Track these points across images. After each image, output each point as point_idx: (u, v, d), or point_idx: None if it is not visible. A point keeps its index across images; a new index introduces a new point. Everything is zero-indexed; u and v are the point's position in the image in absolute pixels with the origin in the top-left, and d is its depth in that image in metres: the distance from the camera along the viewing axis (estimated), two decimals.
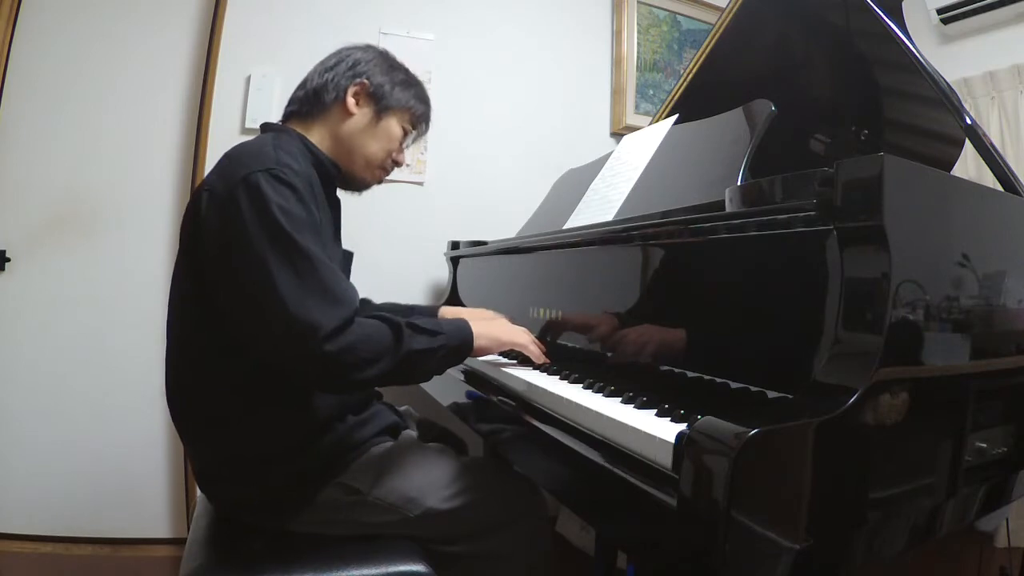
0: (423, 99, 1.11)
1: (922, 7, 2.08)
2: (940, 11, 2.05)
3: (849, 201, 0.61)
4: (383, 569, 0.88)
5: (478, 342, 0.98)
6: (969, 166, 1.75)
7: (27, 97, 1.65)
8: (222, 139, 1.71)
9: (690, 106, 1.44)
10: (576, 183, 1.50)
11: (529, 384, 0.95)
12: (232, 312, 0.85)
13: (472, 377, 1.19)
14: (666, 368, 0.86)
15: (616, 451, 0.69)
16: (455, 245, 1.79)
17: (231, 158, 0.90)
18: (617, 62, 2.25)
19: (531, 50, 2.15)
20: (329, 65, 1.06)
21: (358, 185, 1.11)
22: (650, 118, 1.87)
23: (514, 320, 1.25)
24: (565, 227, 1.31)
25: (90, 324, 1.68)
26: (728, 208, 0.81)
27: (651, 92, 2.28)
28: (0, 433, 1.62)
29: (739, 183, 0.91)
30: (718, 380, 0.76)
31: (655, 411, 0.73)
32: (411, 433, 1.10)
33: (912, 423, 0.60)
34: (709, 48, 1.52)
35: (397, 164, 1.11)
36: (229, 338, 0.87)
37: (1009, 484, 0.77)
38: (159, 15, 1.75)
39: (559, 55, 2.19)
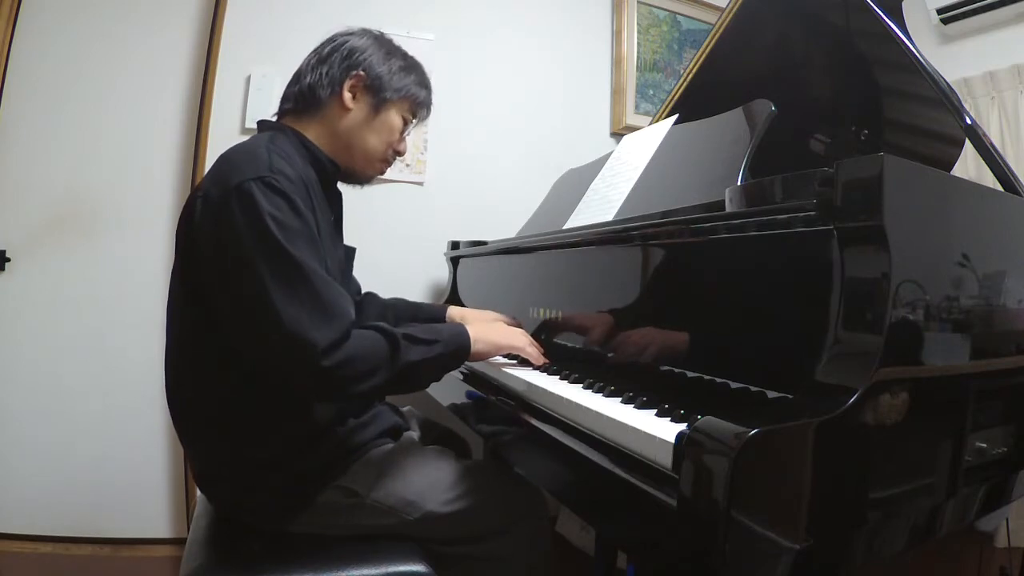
0: (424, 84, 1.08)
1: (922, 7, 2.08)
2: (940, 11, 2.05)
3: (849, 201, 0.61)
4: (383, 569, 0.88)
5: (476, 347, 0.98)
6: (969, 166, 1.75)
7: (27, 97, 1.65)
8: (222, 139, 1.71)
9: (690, 106, 1.44)
10: (576, 183, 1.50)
11: (529, 384, 0.95)
12: (228, 321, 0.85)
13: (472, 377, 1.19)
14: (666, 368, 0.86)
15: (616, 451, 0.69)
16: (455, 245, 1.79)
17: (226, 161, 0.88)
18: (617, 62, 2.25)
19: (531, 50, 2.15)
20: (323, 55, 1.02)
21: (359, 179, 1.09)
22: (650, 118, 1.87)
23: (515, 321, 1.26)
24: (565, 227, 1.31)
25: (90, 324, 1.68)
26: (728, 208, 0.81)
27: (651, 92, 2.28)
28: (0, 433, 1.62)
29: (739, 183, 0.91)
30: (718, 380, 0.76)
31: (655, 411, 0.73)
32: (412, 434, 1.10)
33: (912, 423, 0.60)
34: (709, 48, 1.52)
35: (399, 154, 1.09)
36: (228, 341, 0.86)
37: (1009, 484, 0.77)
38: (159, 15, 1.75)
39: (559, 55, 2.19)
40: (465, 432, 1.34)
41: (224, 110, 1.75)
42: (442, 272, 1.92)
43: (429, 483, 0.97)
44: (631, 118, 2.22)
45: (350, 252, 1.16)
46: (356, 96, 1.01)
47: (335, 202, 1.10)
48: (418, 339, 0.89)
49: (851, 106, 1.43)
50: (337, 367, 0.79)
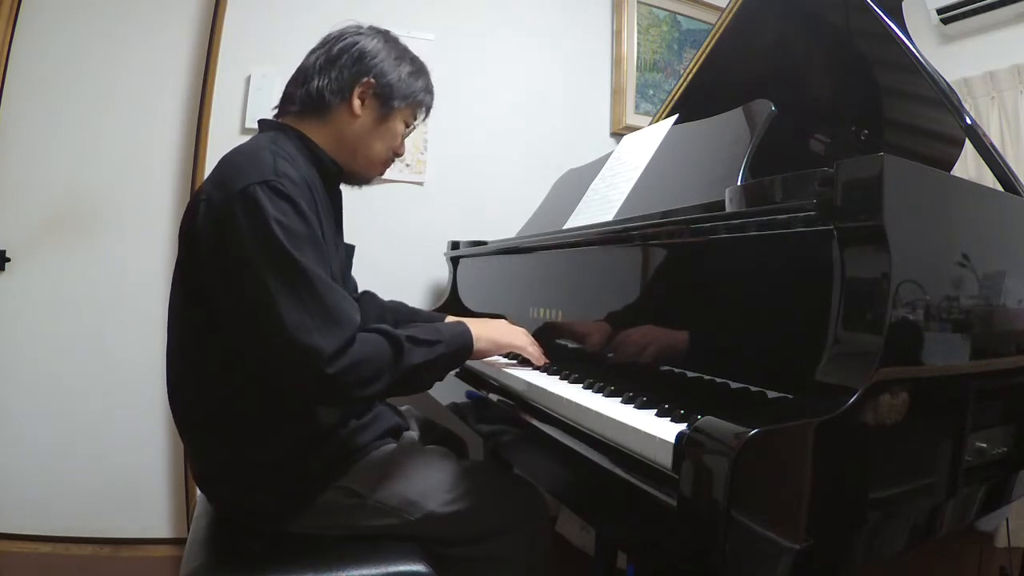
0: (430, 90, 1.08)
1: (922, 7, 2.08)
2: (940, 11, 2.05)
3: (849, 201, 0.61)
4: (383, 569, 0.88)
5: (477, 345, 0.98)
6: (969, 166, 1.75)
7: (27, 97, 1.65)
8: (222, 139, 1.71)
9: (690, 106, 1.44)
10: (576, 183, 1.50)
11: (529, 384, 0.95)
12: (232, 325, 0.85)
13: (472, 377, 1.19)
14: (666, 368, 0.86)
15: (616, 451, 0.69)
16: (455, 245, 1.79)
17: (228, 164, 0.88)
18: (617, 62, 2.25)
19: (531, 50, 2.15)
20: (332, 56, 1.00)
21: (360, 180, 1.09)
22: (650, 118, 1.87)
23: (514, 321, 1.25)
24: (565, 227, 1.31)
25: (90, 324, 1.68)
26: (728, 208, 0.81)
27: (651, 92, 2.28)
28: (0, 433, 1.62)
29: (739, 183, 0.91)
30: (718, 380, 0.76)
31: (655, 411, 0.73)
32: (412, 434, 1.10)
33: (912, 423, 0.60)
34: (709, 48, 1.52)
35: (398, 155, 1.09)
36: (230, 343, 0.86)
37: (1009, 484, 0.77)
38: (159, 15, 1.75)
39: (559, 55, 2.19)
40: (465, 432, 1.34)
41: (224, 110, 1.75)
42: (442, 272, 1.92)
43: (431, 483, 0.97)
44: (631, 118, 2.22)
45: (350, 250, 1.16)
46: (364, 102, 1.00)
47: (336, 202, 1.10)
48: (421, 340, 0.89)
49: (851, 106, 1.43)
50: (342, 373, 0.79)
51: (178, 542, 1.68)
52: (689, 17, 2.36)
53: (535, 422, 0.87)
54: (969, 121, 0.98)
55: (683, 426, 0.64)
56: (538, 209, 1.74)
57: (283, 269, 0.79)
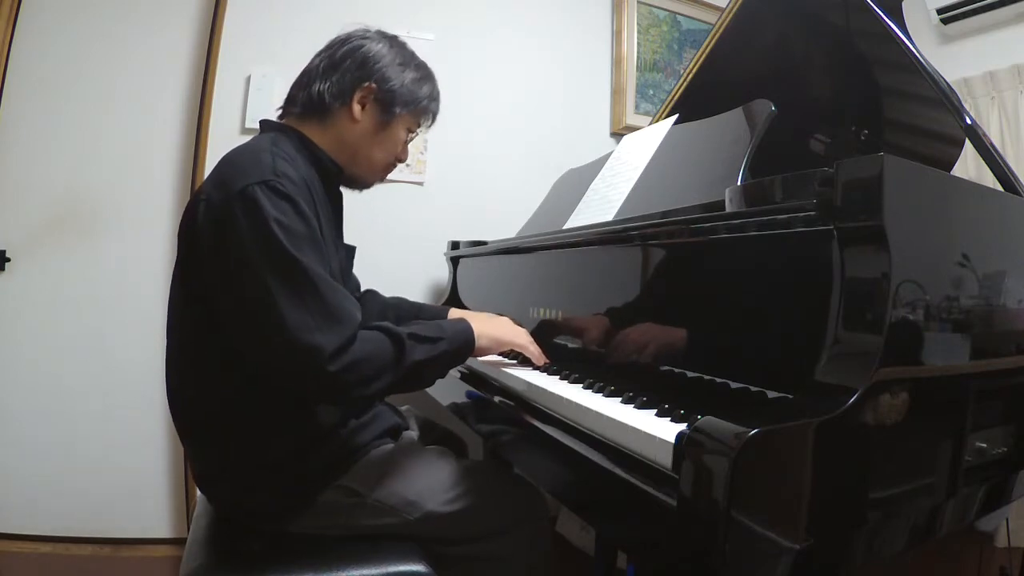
0: (435, 96, 1.07)
1: (922, 7, 2.08)
2: (940, 11, 2.05)
3: (849, 201, 0.61)
4: (383, 569, 0.88)
5: (479, 342, 0.98)
6: (969, 166, 1.75)
7: (27, 97, 1.65)
8: (222, 139, 1.71)
9: (690, 106, 1.44)
10: (576, 183, 1.50)
11: (529, 384, 0.95)
12: (232, 325, 0.85)
13: (472, 377, 1.19)
14: (666, 368, 0.86)
15: (616, 451, 0.69)
16: (455, 245, 1.79)
17: (228, 164, 0.88)
18: (617, 62, 2.25)
19: (531, 50, 2.15)
20: (336, 60, 0.99)
21: (360, 184, 1.09)
22: (650, 118, 1.87)
23: (516, 321, 1.25)
24: (565, 227, 1.31)
25: (90, 324, 1.68)
26: (728, 208, 0.81)
27: (651, 92, 2.28)
28: (0, 433, 1.62)
29: (739, 183, 0.91)
30: (718, 380, 0.76)
31: (655, 411, 0.73)
32: (412, 434, 1.10)
33: (912, 423, 0.60)
34: (709, 48, 1.52)
35: (400, 160, 1.09)
36: (230, 343, 0.86)
37: (1009, 484, 0.77)
38: (159, 15, 1.75)
39: (559, 55, 2.19)
40: (465, 432, 1.34)
41: (224, 110, 1.75)
42: (442, 272, 1.92)
43: (430, 483, 0.97)
44: (631, 118, 2.22)
45: (350, 251, 1.16)
46: (365, 107, 1.00)
47: (336, 203, 1.09)
48: (423, 337, 0.89)
49: (851, 106, 1.43)
50: (343, 371, 0.79)
51: (178, 542, 1.68)
52: (689, 17, 2.36)
53: (535, 422, 0.87)
54: (969, 121, 0.98)
55: (683, 426, 0.64)
56: (538, 209, 1.74)
57: (283, 269, 0.79)
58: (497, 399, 1.03)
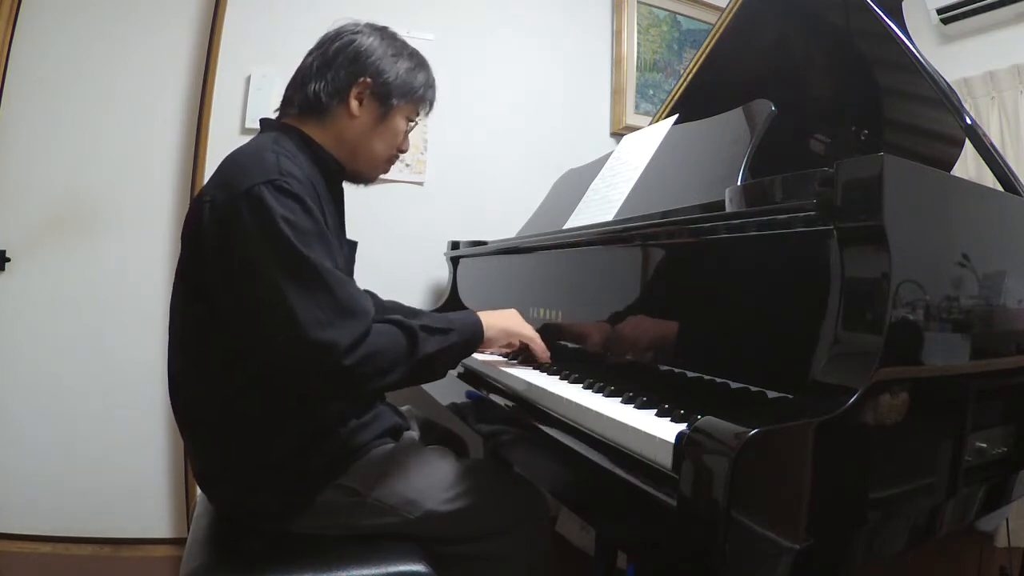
0: (431, 84, 1.07)
1: (922, 7, 2.08)
2: (940, 11, 2.05)
3: (849, 201, 0.61)
4: (383, 569, 0.88)
5: (488, 332, 0.99)
6: (969, 166, 1.75)
7: (27, 97, 1.65)
8: (222, 139, 1.71)
9: (690, 106, 1.44)
10: (576, 183, 1.50)
11: (529, 384, 0.95)
12: (238, 325, 0.84)
13: (472, 377, 1.19)
14: (666, 368, 0.86)
15: (616, 451, 0.69)
16: (455, 245, 1.79)
17: (232, 164, 0.88)
18: (617, 62, 2.25)
19: (531, 50, 2.15)
20: (328, 57, 0.99)
21: (363, 179, 1.09)
22: (650, 118, 1.87)
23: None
24: (565, 227, 1.31)
25: (90, 324, 1.68)
26: (728, 208, 0.81)
27: (651, 92, 2.29)
28: (0, 433, 1.62)
29: (739, 183, 0.91)
30: (718, 380, 0.76)
31: (655, 411, 0.73)
32: (412, 434, 1.10)
33: (912, 423, 0.60)
34: (709, 48, 1.52)
35: (401, 152, 1.09)
36: (232, 343, 0.86)
37: (1009, 484, 0.77)
38: (159, 15, 1.75)
39: (559, 55, 2.20)
40: (465, 432, 1.34)
41: (224, 110, 1.75)
42: (442, 272, 1.92)
43: (430, 482, 0.97)
44: (631, 118, 2.22)
45: (352, 247, 1.16)
46: (362, 102, 0.99)
47: (338, 199, 1.09)
48: (434, 329, 0.90)
49: (851, 106, 1.43)
50: (358, 364, 0.79)
51: (178, 542, 1.68)
52: (689, 17, 2.36)
53: (535, 422, 0.87)
54: (969, 121, 0.98)
55: (683, 426, 0.64)
56: (538, 209, 1.74)
57: (293, 266, 0.79)
58: (497, 399, 1.03)
